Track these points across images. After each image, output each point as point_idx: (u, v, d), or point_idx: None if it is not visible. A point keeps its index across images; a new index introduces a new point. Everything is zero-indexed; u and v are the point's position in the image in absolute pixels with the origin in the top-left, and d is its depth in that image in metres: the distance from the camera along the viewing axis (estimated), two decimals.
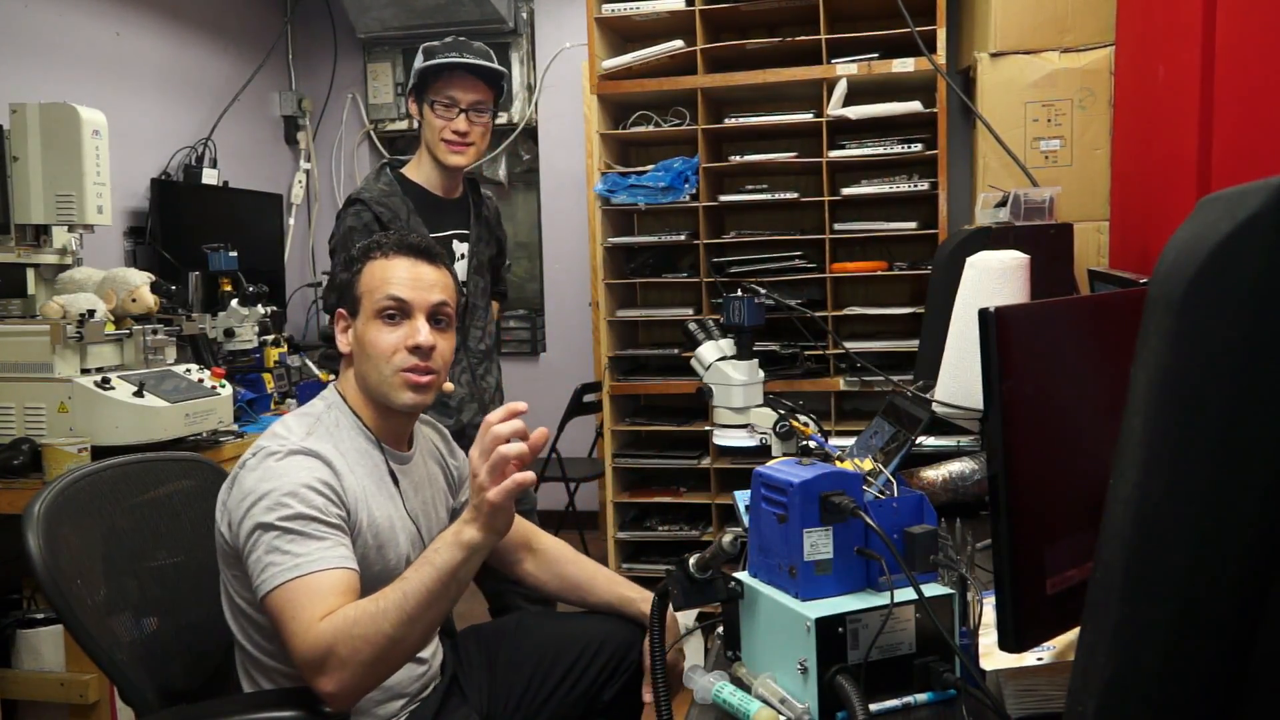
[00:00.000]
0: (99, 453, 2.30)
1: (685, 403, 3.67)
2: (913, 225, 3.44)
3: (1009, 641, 0.93)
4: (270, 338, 3.36)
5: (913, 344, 3.22)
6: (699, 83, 3.47)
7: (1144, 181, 2.45)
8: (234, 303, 3.24)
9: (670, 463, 3.64)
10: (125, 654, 1.46)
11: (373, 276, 1.54)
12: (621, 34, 3.75)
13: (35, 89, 3.34)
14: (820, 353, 3.47)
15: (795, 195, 3.52)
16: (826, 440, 1.70)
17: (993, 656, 1.05)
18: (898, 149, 3.40)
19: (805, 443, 1.66)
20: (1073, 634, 1.00)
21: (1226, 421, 0.49)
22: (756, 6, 3.48)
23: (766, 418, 1.76)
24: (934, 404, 1.63)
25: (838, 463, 1.28)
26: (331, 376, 2.85)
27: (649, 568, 3.65)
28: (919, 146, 3.38)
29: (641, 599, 1.68)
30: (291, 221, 5.02)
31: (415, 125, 2.64)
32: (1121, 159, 2.80)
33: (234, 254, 3.34)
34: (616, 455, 3.67)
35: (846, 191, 3.44)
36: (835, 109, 3.35)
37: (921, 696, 1.07)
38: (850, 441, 1.88)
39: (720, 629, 1.21)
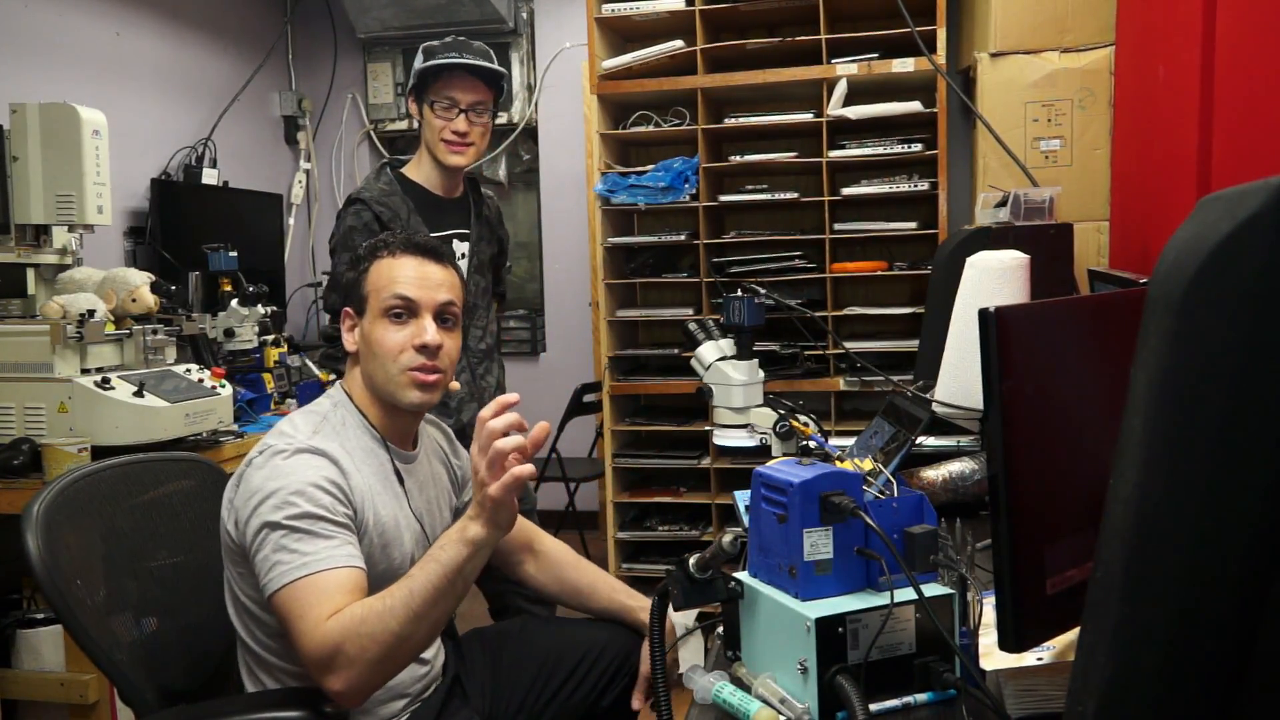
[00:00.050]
0: (99, 453, 2.30)
1: (685, 403, 3.67)
2: (913, 225, 3.44)
3: (1009, 641, 0.93)
4: (270, 338, 3.36)
5: (913, 344, 3.22)
6: (699, 83, 3.47)
7: (1144, 181, 2.45)
8: (234, 303, 3.25)
9: (670, 463, 3.63)
10: (125, 654, 1.46)
11: (380, 275, 1.54)
12: (621, 34, 3.75)
13: (35, 89, 3.34)
14: (820, 353, 3.47)
15: (795, 195, 3.52)
16: (826, 440, 1.70)
17: (993, 656, 1.06)
18: (898, 149, 3.40)
19: (805, 443, 1.66)
20: (1073, 634, 1.00)
21: (1226, 421, 0.49)
22: (756, 6, 3.48)
23: (766, 418, 1.76)
24: (934, 404, 1.63)
25: (838, 463, 1.28)
26: (331, 377, 2.85)
27: (649, 568, 3.65)
28: (919, 146, 3.38)
29: (640, 607, 1.68)
30: (291, 221, 5.02)
31: (415, 125, 2.64)
32: (1121, 159, 2.80)
33: (234, 254, 3.35)
34: (616, 455, 3.67)
35: (846, 191, 3.44)
36: (835, 109, 3.35)
37: (921, 696, 1.07)
38: (850, 441, 1.88)
39: (720, 629, 1.21)
